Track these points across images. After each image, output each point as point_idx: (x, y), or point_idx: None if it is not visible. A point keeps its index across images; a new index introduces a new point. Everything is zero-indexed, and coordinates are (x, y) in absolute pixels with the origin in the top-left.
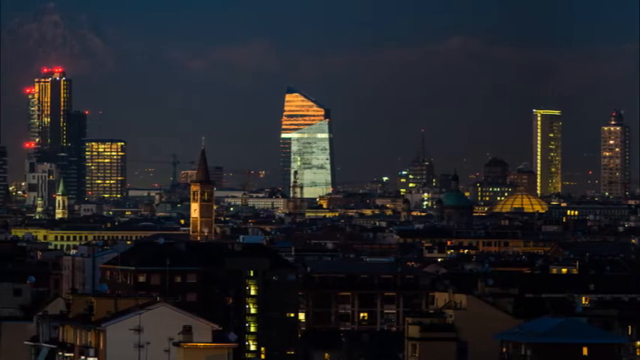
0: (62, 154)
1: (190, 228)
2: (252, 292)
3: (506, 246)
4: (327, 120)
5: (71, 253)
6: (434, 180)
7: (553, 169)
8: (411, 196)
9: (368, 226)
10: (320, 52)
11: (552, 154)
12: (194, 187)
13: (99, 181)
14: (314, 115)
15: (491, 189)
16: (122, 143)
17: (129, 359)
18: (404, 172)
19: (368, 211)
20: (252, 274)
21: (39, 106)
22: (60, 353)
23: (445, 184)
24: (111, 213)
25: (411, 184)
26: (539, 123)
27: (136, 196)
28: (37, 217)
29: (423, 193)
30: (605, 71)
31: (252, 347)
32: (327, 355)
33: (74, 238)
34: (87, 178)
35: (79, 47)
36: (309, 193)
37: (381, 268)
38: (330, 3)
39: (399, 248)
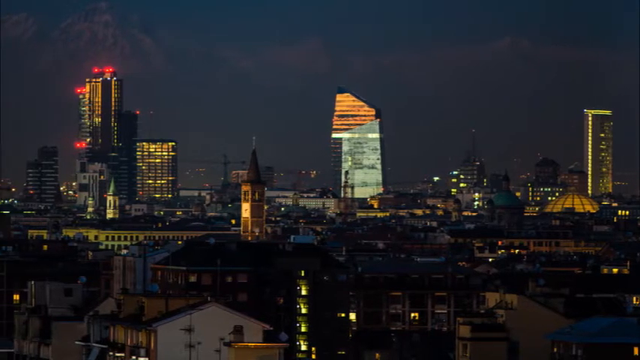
0: (113, 154)
1: (241, 228)
2: (303, 292)
3: (557, 246)
4: (378, 120)
5: (122, 253)
6: (485, 180)
7: (604, 169)
8: (462, 196)
9: (419, 226)
10: (371, 52)
11: (603, 154)
12: (245, 187)
13: (150, 181)
14: (365, 115)
15: (542, 189)
16: (173, 143)
17: (179, 359)
18: (455, 172)
19: (419, 211)
20: (302, 274)
21: (90, 106)
22: (111, 353)
23: (496, 184)
24: (162, 213)
25: (461, 184)
26: (590, 123)
27: (187, 196)
28: (88, 217)
29: (474, 193)
30: None
31: (303, 347)
32: (377, 355)
33: (125, 238)
34: (138, 178)
35: (130, 47)
36: (360, 193)
37: (431, 268)
38: (381, 3)
39: (449, 248)
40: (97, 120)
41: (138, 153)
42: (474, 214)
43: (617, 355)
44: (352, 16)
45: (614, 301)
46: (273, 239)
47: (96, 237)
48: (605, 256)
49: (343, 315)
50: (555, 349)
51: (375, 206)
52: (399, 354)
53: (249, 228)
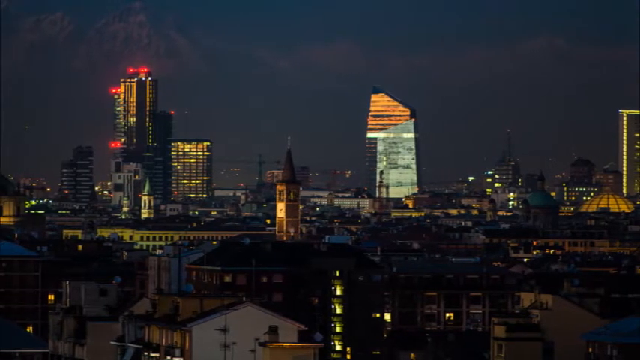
0: (148, 154)
1: (276, 228)
2: (338, 292)
3: (592, 246)
4: (413, 120)
5: (157, 253)
6: (520, 180)
7: (639, 169)
8: (496, 196)
9: (454, 226)
10: (406, 51)
11: (638, 154)
12: (280, 187)
13: (185, 181)
14: (400, 115)
15: (577, 189)
16: (208, 143)
17: (214, 359)
18: (490, 172)
19: (454, 211)
20: (337, 274)
21: (125, 106)
22: (145, 353)
23: (531, 184)
24: (197, 213)
25: (496, 184)
26: (625, 123)
27: (222, 196)
28: (123, 217)
29: (509, 193)
30: None
31: (338, 347)
32: (412, 355)
33: (160, 238)
34: (173, 178)
35: (164, 47)
36: (394, 193)
37: (466, 268)
38: (416, 3)
39: (484, 248)
40: (132, 120)
41: (173, 153)
42: (509, 214)
43: None
44: (388, 16)
45: None
46: (307, 239)
47: (131, 237)
48: None
49: (378, 315)
50: (590, 349)
51: (410, 206)
52: (433, 354)
53: (284, 228)
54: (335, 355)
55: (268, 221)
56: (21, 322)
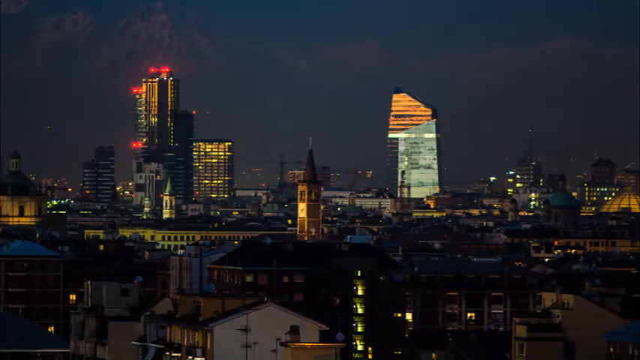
0: (169, 154)
1: (297, 228)
2: (360, 292)
3: (614, 246)
4: (435, 120)
5: (178, 253)
6: (541, 180)
7: None
8: (518, 196)
9: (475, 226)
10: (427, 52)
11: None
12: (301, 187)
13: (206, 181)
14: (421, 115)
15: (598, 189)
16: (229, 143)
17: (236, 359)
18: (511, 172)
19: (475, 211)
20: (359, 274)
21: (146, 106)
22: (167, 353)
23: (552, 184)
24: (218, 213)
25: (518, 184)
26: None
27: (243, 196)
28: (145, 217)
29: (531, 193)
30: None
31: (360, 347)
32: (434, 355)
33: (181, 238)
34: (194, 178)
35: (186, 47)
36: (416, 193)
37: (488, 268)
38: (437, 3)
39: (506, 248)
40: (154, 120)
41: (194, 153)
42: (531, 214)
43: None
44: (409, 16)
45: None
46: (329, 239)
47: (152, 237)
48: None
49: (399, 315)
50: (612, 349)
51: (432, 206)
52: (455, 354)
53: (306, 228)
54: (356, 355)
55: (290, 221)
56: (42, 322)
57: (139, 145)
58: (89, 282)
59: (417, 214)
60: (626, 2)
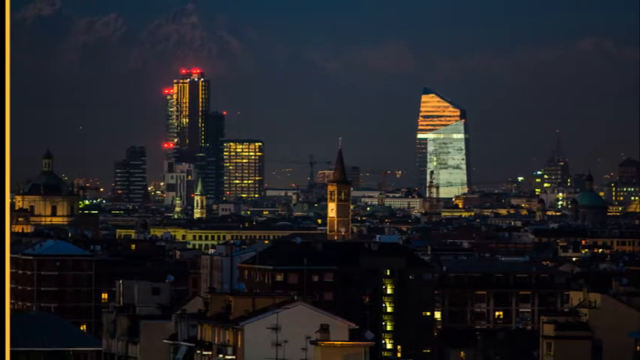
0: (200, 154)
1: (327, 227)
2: (389, 291)
3: None
4: (463, 120)
5: (209, 252)
6: (569, 180)
7: None
8: (546, 196)
9: (503, 226)
10: (456, 52)
11: None
12: (331, 187)
13: (237, 181)
14: (450, 116)
15: (625, 189)
16: (260, 143)
17: (266, 357)
18: (539, 172)
19: (503, 211)
20: (388, 273)
21: (177, 107)
22: (198, 351)
23: (580, 184)
24: (249, 213)
25: (546, 184)
26: None
27: (274, 196)
28: (176, 216)
29: (558, 193)
30: None
31: (389, 346)
32: (462, 353)
33: (212, 238)
34: (225, 178)
35: (217, 48)
36: (445, 192)
37: (516, 267)
38: (465, 4)
39: (533, 247)
40: (185, 120)
41: (225, 153)
42: (558, 213)
43: None
44: (437, 17)
45: None
46: (358, 239)
47: (183, 236)
48: None
49: (428, 314)
50: (638, 348)
51: (460, 206)
52: (483, 352)
53: (335, 227)
54: (385, 354)
55: (319, 221)
56: (75, 320)
57: (170, 145)
58: (121, 281)
59: (445, 214)
60: None
